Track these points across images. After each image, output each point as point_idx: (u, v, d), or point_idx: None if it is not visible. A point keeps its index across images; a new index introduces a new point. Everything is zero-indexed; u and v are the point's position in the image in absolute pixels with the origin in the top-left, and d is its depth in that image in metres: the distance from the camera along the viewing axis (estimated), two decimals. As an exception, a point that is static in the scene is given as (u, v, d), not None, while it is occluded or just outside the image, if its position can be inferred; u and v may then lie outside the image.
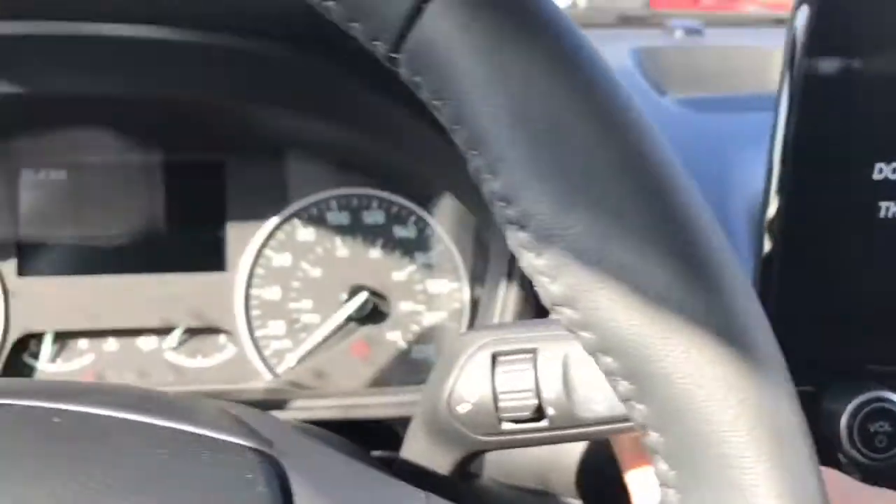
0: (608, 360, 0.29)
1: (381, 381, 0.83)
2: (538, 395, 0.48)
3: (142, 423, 0.38)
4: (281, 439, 0.39)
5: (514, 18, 0.27)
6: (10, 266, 0.81)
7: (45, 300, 0.81)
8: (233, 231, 0.83)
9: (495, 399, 0.49)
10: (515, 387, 0.49)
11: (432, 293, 0.84)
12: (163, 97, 0.74)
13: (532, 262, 0.28)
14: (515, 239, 0.29)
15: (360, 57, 0.63)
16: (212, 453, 0.36)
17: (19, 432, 0.37)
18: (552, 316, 0.29)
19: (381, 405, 0.76)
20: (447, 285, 0.84)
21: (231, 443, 0.38)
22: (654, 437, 0.29)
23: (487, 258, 0.81)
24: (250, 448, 0.37)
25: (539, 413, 0.49)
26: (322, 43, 0.66)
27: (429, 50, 0.27)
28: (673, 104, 0.96)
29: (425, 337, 0.84)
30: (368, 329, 0.83)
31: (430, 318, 0.84)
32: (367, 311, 0.82)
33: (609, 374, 0.29)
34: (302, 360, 0.82)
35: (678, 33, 1.12)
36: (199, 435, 0.38)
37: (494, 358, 0.50)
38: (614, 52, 1.13)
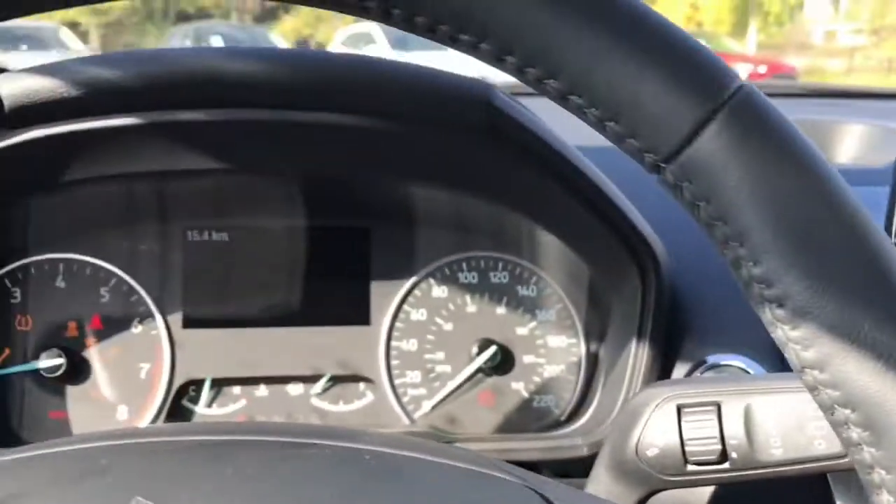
0: (846, 412, 0.38)
1: (507, 427, 0.92)
2: (722, 441, 0.58)
3: (438, 465, 0.47)
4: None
5: (775, 135, 0.35)
6: (176, 319, 0.89)
7: (206, 350, 0.90)
8: (376, 289, 0.92)
9: (682, 444, 0.58)
10: (701, 434, 0.58)
11: (552, 347, 0.93)
12: (326, 173, 0.84)
13: (787, 333, 0.37)
14: (772, 314, 0.37)
15: (504, 142, 0.74)
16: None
17: (345, 470, 0.46)
18: (804, 377, 0.38)
19: (521, 450, 0.84)
20: (565, 340, 0.93)
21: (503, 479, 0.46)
22: (881, 474, 0.38)
23: (604, 318, 0.90)
24: (518, 481, 0.46)
25: (722, 457, 0.58)
26: (469, 130, 0.76)
27: (701, 163, 0.36)
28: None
29: (546, 387, 0.93)
30: (495, 379, 0.92)
31: (549, 371, 0.93)
32: (496, 363, 0.91)
33: (841, 423, 0.38)
34: (436, 406, 0.91)
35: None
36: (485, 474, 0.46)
37: (679, 409, 0.59)
38: None
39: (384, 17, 0.36)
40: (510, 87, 1.01)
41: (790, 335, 0.37)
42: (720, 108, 0.34)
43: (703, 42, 0.38)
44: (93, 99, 0.68)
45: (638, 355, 0.81)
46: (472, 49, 0.36)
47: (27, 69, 0.69)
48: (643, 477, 0.60)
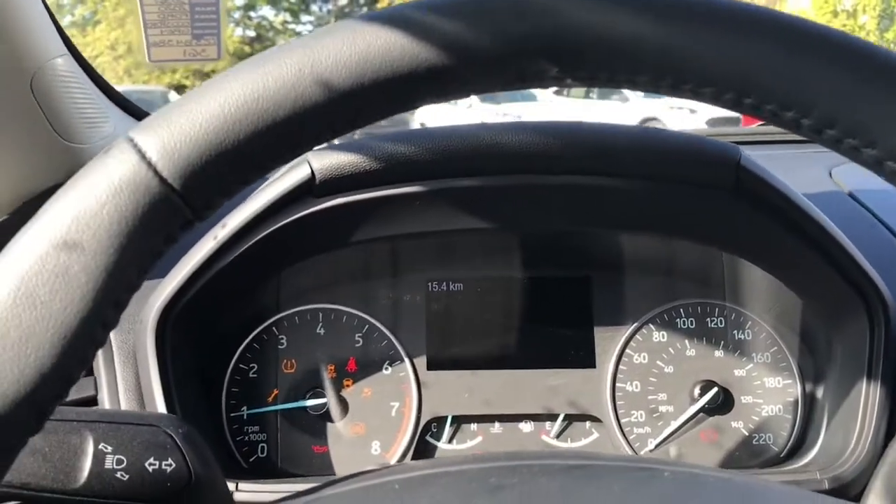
0: None
1: (728, 463, 0.97)
2: None
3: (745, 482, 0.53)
4: None
5: None
6: (421, 361, 0.99)
7: (448, 390, 0.99)
8: (599, 334, 1.00)
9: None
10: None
11: (769, 388, 0.99)
12: (567, 228, 0.93)
13: None
14: None
15: (749, 199, 0.81)
16: None
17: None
18: None
19: None
20: (781, 381, 0.99)
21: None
22: None
23: (821, 359, 0.95)
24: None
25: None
26: (718, 188, 0.83)
27: None
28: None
29: (764, 426, 0.98)
30: (716, 419, 0.98)
31: (767, 410, 0.98)
32: (717, 404, 0.97)
33: None
34: (660, 444, 0.97)
35: None
36: None
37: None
38: (854, 174, 1.27)
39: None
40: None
41: None
42: None
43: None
44: (390, 170, 0.79)
45: (869, 396, 0.85)
46: (793, 124, 0.42)
47: (332, 146, 0.81)
48: (923, 505, 0.65)
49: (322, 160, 0.80)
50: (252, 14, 22.34)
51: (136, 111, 1.39)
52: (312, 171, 0.79)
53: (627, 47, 0.41)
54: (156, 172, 0.39)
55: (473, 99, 12.54)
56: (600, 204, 0.87)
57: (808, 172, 1.28)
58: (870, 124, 0.40)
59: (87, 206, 0.39)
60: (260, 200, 0.81)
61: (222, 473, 0.70)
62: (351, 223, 0.85)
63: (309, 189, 0.81)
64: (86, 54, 1.27)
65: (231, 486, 0.81)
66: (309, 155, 0.81)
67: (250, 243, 0.82)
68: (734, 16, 0.40)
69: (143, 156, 0.39)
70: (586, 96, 13.88)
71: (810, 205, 0.83)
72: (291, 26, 23.27)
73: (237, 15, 21.92)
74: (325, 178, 0.79)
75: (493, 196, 0.85)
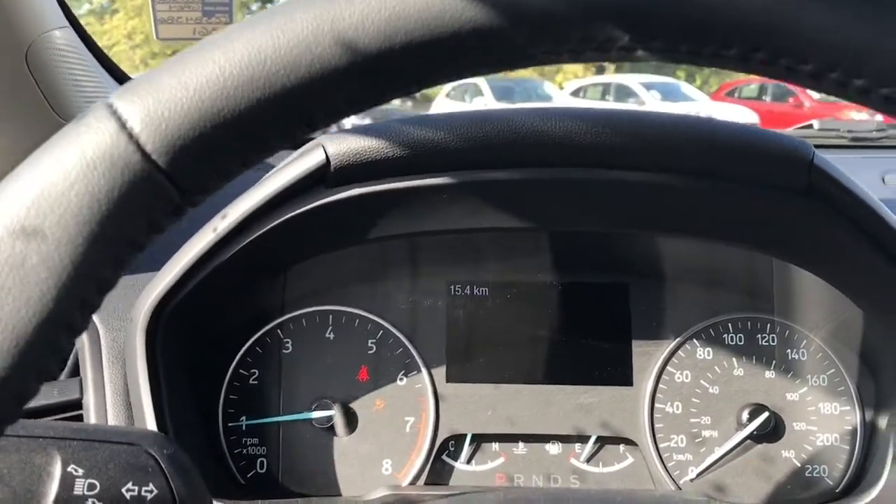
0: None
1: (777, 496, 0.87)
2: None
3: None
4: None
5: None
6: (440, 372, 0.90)
7: (468, 405, 0.89)
8: (637, 348, 0.90)
9: None
10: None
11: (824, 414, 0.89)
12: (612, 230, 0.83)
13: None
14: None
15: (822, 202, 0.71)
16: None
17: None
18: None
19: None
20: (838, 407, 0.89)
21: None
22: None
23: (884, 384, 0.85)
24: None
25: None
26: (790, 190, 0.73)
27: None
28: None
29: (819, 457, 0.88)
30: (765, 446, 0.88)
31: (822, 439, 0.88)
32: (767, 430, 0.87)
33: None
34: (702, 472, 0.88)
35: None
36: None
37: None
38: None
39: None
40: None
41: None
42: None
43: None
44: (414, 159, 0.70)
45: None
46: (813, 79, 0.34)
47: (349, 130, 0.72)
48: None
49: (339, 145, 0.70)
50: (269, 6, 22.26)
51: None
52: (327, 157, 0.70)
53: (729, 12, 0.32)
54: (138, 146, 0.32)
55: (488, 97, 12.46)
56: (652, 203, 0.77)
57: (861, 177, 1.19)
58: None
59: (52, 185, 0.32)
60: (266, 189, 0.72)
61: (211, 495, 0.61)
62: (368, 217, 0.76)
63: (322, 177, 0.71)
64: (102, 44, 1.19)
65: None
66: (323, 138, 0.71)
67: (254, 237, 0.73)
68: None
69: (122, 125, 0.32)
70: (602, 97, 13.77)
71: (888, 211, 0.73)
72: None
73: (255, 7, 21.89)
74: (342, 164, 0.70)
75: (530, 191, 0.75)
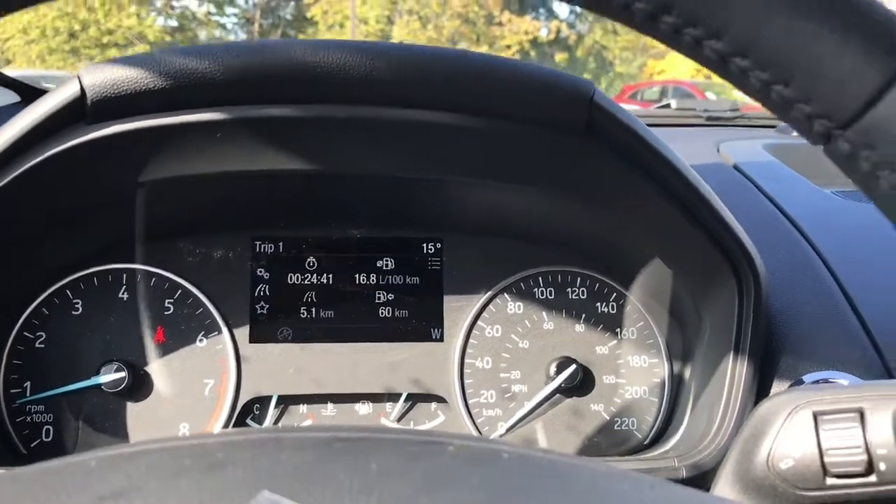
0: None
1: (587, 450, 0.87)
2: (867, 450, 0.53)
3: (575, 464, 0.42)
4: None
5: None
6: (243, 333, 0.85)
7: (273, 366, 0.86)
8: (449, 304, 0.88)
9: (821, 455, 0.54)
10: (843, 444, 0.53)
11: (633, 367, 0.89)
12: (404, 176, 0.80)
13: None
14: None
15: (604, 141, 0.70)
16: None
17: (485, 468, 0.41)
18: None
19: None
20: (647, 360, 0.89)
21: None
22: None
23: (690, 336, 0.86)
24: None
25: (869, 468, 0.53)
26: (569, 126, 0.72)
27: (888, 125, 0.32)
28: (836, 196, 1.03)
29: (627, 409, 0.88)
30: (575, 400, 0.87)
31: (631, 392, 0.88)
32: (575, 383, 0.86)
33: None
34: (511, 427, 0.86)
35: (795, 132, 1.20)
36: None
37: (816, 417, 0.54)
38: (740, 149, 1.21)
39: None
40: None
41: None
42: None
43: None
44: (179, 92, 0.66)
45: (735, 373, 0.76)
46: (623, 11, 0.34)
47: (112, 60, 0.67)
48: (776, 491, 0.55)
49: (95, 75, 0.65)
50: (175, 3, 21.68)
51: (15, 85, 1.25)
52: (83, 89, 0.65)
53: None
54: None
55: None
56: (437, 144, 0.75)
57: (696, 146, 1.21)
58: (711, 8, 0.32)
59: None
60: (20, 123, 0.66)
61: None
62: (137, 158, 0.71)
63: (81, 112, 0.66)
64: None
65: None
66: (82, 70, 0.66)
67: (13, 177, 0.67)
68: None
69: None
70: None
71: (676, 155, 0.73)
72: (215, 18, 22.70)
73: (159, 3, 21.24)
74: (100, 97, 0.65)
75: (310, 130, 0.71)
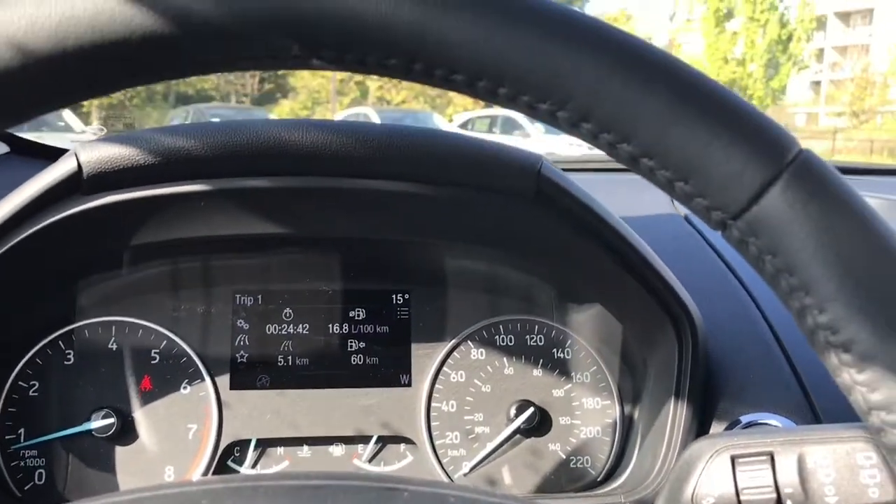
0: None
1: (544, 487, 0.93)
2: (777, 490, 0.60)
3: None
4: None
5: (836, 193, 0.38)
6: (224, 381, 0.92)
7: (252, 411, 0.92)
8: (416, 351, 0.95)
9: (737, 494, 0.61)
10: (756, 483, 0.61)
11: (587, 409, 0.96)
12: (372, 238, 0.88)
13: (854, 377, 0.40)
14: (838, 360, 0.40)
15: (551, 208, 0.78)
16: None
17: None
18: (870, 419, 0.41)
19: None
20: (600, 402, 0.96)
21: None
22: None
23: (638, 380, 0.93)
24: None
25: (777, 505, 0.60)
26: (519, 195, 0.80)
27: (767, 219, 0.39)
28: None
29: (582, 448, 0.95)
30: (533, 440, 0.94)
31: (585, 432, 0.95)
32: (533, 424, 0.93)
33: None
34: (475, 467, 0.93)
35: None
36: None
37: (733, 460, 0.62)
38: None
39: (448, 84, 0.39)
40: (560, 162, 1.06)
41: (857, 378, 0.40)
42: (785, 169, 0.38)
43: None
44: (166, 167, 0.73)
45: (677, 415, 0.83)
46: (550, 117, 0.40)
47: (104, 138, 0.74)
48: (699, 527, 0.62)
49: (90, 153, 0.73)
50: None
51: (4, 136, 1.31)
52: (79, 164, 0.72)
53: (376, 27, 0.36)
54: None
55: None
56: (404, 211, 0.83)
57: (648, 196, 1.29)
58: (623, 119, 0.38)
59: None
60: (21, 196, 0.73)
61: None
62: (129, 225, 0.78)
63: (78, 184, 0.73)
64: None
65: None
66: (77, 146, 0.73)
67: (12, 244, 0.74)
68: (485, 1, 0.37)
69: None
70: (490, 130, 14.09)
71: (618, 220, 0.81)
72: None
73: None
74: (95, 171, 0.72)
75: (285, 199, 0.79)
